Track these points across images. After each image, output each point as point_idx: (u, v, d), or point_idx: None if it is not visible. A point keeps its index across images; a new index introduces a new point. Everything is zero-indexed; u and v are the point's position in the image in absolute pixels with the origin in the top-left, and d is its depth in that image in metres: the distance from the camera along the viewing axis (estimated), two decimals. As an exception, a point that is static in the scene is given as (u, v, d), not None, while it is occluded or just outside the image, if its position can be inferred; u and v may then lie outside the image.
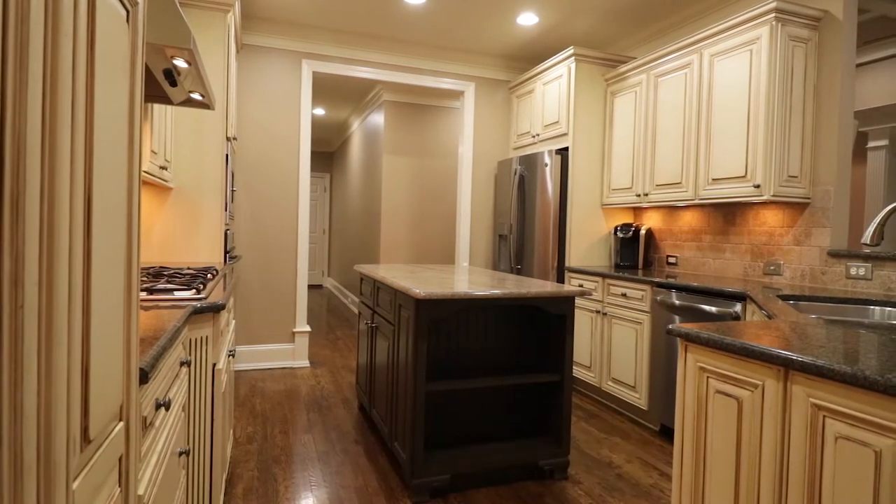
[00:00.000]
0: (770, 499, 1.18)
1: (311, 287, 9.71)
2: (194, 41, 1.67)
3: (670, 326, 1.45)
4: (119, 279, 0.78)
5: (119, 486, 0.80)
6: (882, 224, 1.79)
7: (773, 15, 2.70)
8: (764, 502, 1.19)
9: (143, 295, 1.66)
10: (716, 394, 1.33)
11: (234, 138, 3.85)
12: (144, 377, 0.91)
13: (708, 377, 1.36)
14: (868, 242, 1.80)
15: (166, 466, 1.17)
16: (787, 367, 1.14)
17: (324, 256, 10.01)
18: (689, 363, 1.42)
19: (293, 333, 4.35)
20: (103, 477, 0.72)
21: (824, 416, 1.07)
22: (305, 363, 4.37)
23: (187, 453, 1.41)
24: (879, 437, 0.97)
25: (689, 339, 1.38)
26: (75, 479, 0.61)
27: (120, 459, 0.80)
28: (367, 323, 3.12)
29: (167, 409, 1.08)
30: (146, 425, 1.00)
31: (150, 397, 1.04)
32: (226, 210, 3.19)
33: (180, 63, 1.79)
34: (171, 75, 1.92)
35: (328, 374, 4.16)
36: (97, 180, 0.66)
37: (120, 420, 0.81)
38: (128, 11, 0.80)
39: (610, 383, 3.47)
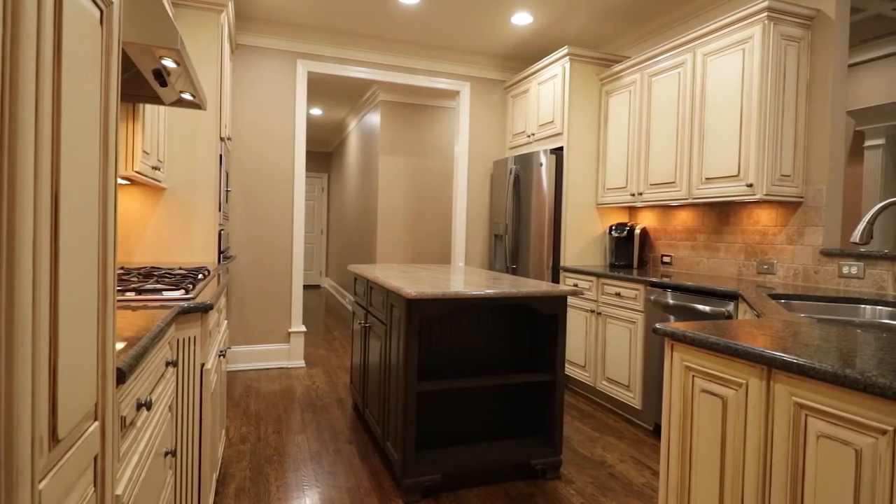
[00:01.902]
0: (754, 497, 1.18)
1: (308, 287, 9.71)
2: (182, 41, 1.67)
3: (657, 325, 1.45)
4: (92, 279, 0.78)
5: (94, 486, 0.80)
6: (871, 223, 1.79)
7: (766, 14, 2.70)
8: (748, 500, 1.20)
9: (132, 295, 1.66)
10: (701, 393, 1.33)
11: (229, 138, 3.85)
12: (122, 377, 0.91)
13: (693, 376, 1.36)
14: (857, 241, 1.80)
15: (150, 466, 1.17)
16: (769, 366, 1.14)
17: (321, 256, 10.01)
18: (675, 362, 1.42)
19: (289, 333, 4.35)
20: (75, 477, 0.72)
21: (806, 415, 1.07)
22: (301, 363, 4.37)
23: (173, 453, 1.41)
24: (860, 435, 0.97)
25: (674, 338, 1.38)
26: (42, 479, 0.61)
27: (95, 459, 0.80)
28: (360, 323, 3.12)
29: (149, 408, 1.08)
30: (126, 425, 1.00)
31: (131, 397, 1.04)
32: (220, 210, 3.19)
33: (169, 63, 1.79)
34: (161, 75, 1.92)
35: (323, 374, 4.16)
36: (66, 181, 0.66)
37: (95, 420, 0.81)
38: (101, 11, 0.80)
39: (604, 383, 3.47)
